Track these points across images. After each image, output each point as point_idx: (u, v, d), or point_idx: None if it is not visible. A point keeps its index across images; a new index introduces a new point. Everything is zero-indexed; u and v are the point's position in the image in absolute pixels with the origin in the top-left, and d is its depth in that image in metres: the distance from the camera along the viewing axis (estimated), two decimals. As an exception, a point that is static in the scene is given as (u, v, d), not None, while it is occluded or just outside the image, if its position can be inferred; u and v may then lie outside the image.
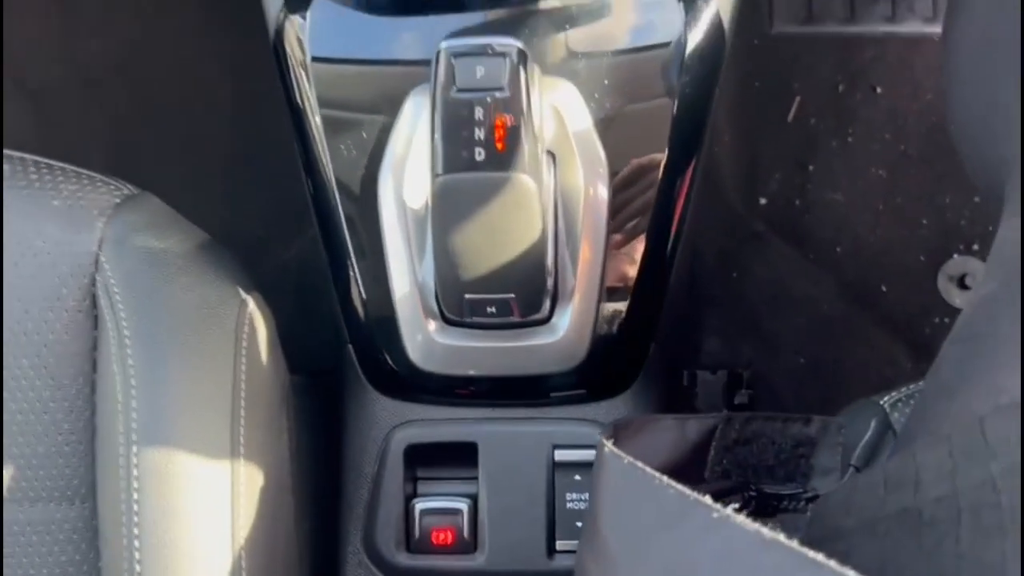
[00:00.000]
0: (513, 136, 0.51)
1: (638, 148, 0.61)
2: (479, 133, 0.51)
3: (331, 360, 0.76)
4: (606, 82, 0.59)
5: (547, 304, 0.59)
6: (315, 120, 0.61)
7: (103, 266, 0.57)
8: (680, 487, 0.30)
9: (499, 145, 0.51)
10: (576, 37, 0.58)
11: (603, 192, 0.60)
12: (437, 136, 0.52)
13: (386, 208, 0.60)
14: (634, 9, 0.59)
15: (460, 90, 0.51)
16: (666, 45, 0.59)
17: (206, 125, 1.13)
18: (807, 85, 1.09)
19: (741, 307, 1.03)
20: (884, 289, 1.05)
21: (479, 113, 0.51)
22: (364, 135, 0.61)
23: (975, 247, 1.05)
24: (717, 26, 0.61)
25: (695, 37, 0.60)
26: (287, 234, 1.08)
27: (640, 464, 0.33)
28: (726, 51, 0.62)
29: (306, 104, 0.61)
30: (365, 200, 0.61)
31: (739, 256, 1.05)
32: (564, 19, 0.58)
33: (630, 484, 0.34)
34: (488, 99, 0.51)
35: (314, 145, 0.62)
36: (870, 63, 1.09)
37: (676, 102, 0.60)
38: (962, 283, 1.04)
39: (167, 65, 1.14)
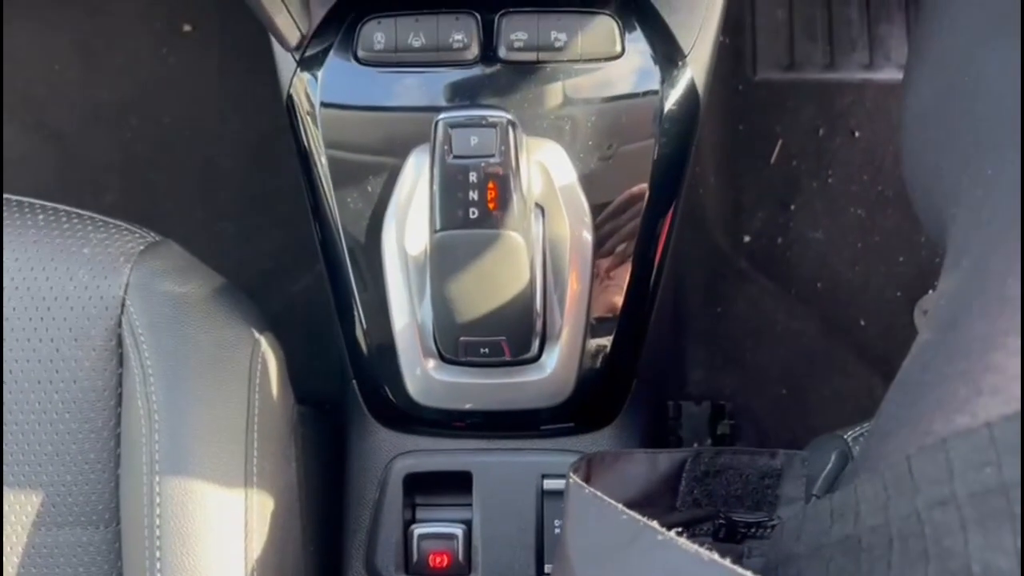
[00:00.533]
0: (503, 197, 0.57)
1: (620, 197, 0.66)
2: (473, 195, 0.56)
3: (336, 388, 0.81)
4: (589, 142, 0.65)
5: (536, 344, 0.65)
6: (322, 167, 0.67)
7: (128, 309, 0.62)
8: (632, 514, 0.35)
9: (491, 205, 0.56)
10: (561, 101, 0.64)
11: (587, 239, 0.65)
12: (436, 196, 0.57)
13: (388, 254, 0.66)
14: (613, 74, 0.64)
15: (456, 157, 0.56)
16: (643, 107, 0.65)
17: (221, 167, 1.19)
18: (789, 129, 1.15)
19: (726, 341, 1.08)
20: (862, 323, 1.10)
21: (473, 177, 0.56)
22: (369, 187, 0.66)
23: (949, 283, 1.10)
24: (691, 89, 0.67)
25: (671, 99, 0.65)
26: (295, 270, 1.14)
27: (599, 494, 0.38)
28: (701, 111, 0.68)
29: (315, 152, 0.67)
30: (369, 246, 0.67)
31: (724, 292, 1.10)
32: (550, 85, 0.64)
33: (591, 511, 0.39)
34: (481, 165, 0.56)
35: (322, 195, 0.67)
36: (849, 108, 1.15)
37: (654, 157, 0.65)
38: (937, 318, 1.09)
39: (184, 109, 1.20)
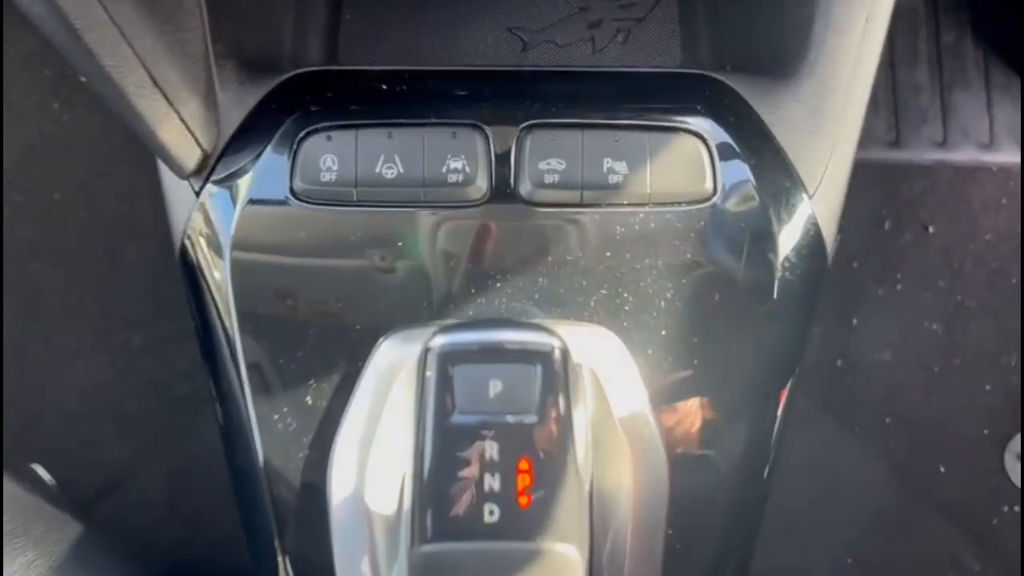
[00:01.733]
0: (545, 484, 0.32)
1: (712, 410, 0.43)
2: (491, 481, 0.32)
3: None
4: (663, 330, 0.41)
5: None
6: (234, 358, 0.42)
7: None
8: None
9: (522, 499, 0.32)
10: (618, 269, 0.40)
11: (661, 482, 0.41)
12: (422, 482, 0.32)
13: (339, 507, 0.41)
14: (702, 226, 0.41)
15: (463, 413, 0.32)
16: (747, 275, 0.42)
17: (126, 258, 0.93)
18: (848, 221, 0.92)
19: (777, 496, 0.85)
20: (942, 470, 0.88)
21: (492, 451, 0.32)
22: (308, 397, 0.42)
23: (1047, 419, 0.89)
24: (815, 240, 0.44)
25: (788, 258, 0.43)
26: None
27: None
28: (829, 268, 0.45)
29: (222, 335, 0.43)
30: (307, 491, 0.42)
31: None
32: (602, 243, 0.40)
33: None
34: (508, 429, 0.32)
35: (234, 400, 0.43)
36: (919, 196, 0.93)
37: (764, 345, 0.42)
38: (1033, 463, 0.88)
39: (80, 181, 0.94)
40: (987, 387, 0.90)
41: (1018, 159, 0.92)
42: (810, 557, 0.86)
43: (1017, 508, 0.88)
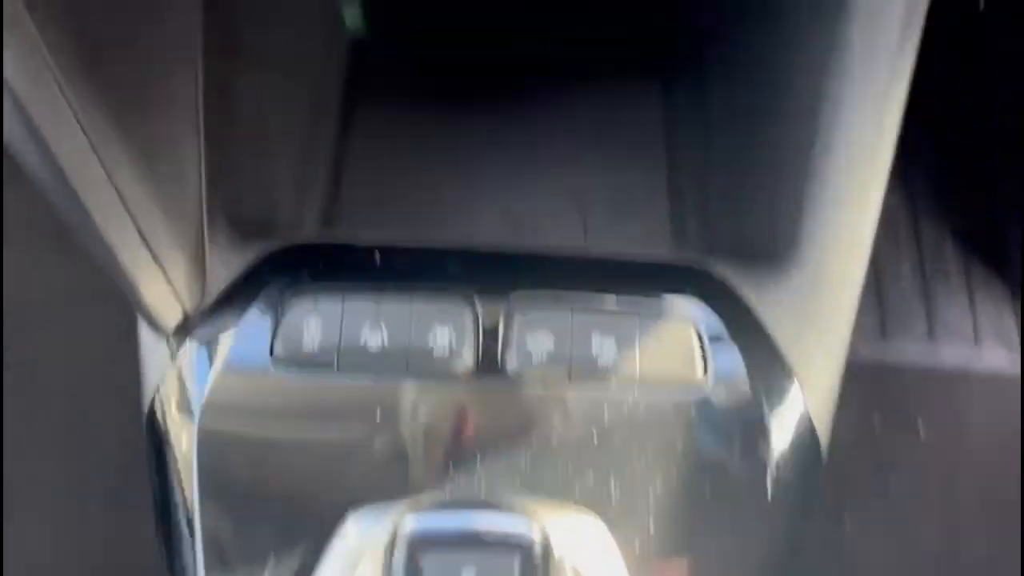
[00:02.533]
0: None
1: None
2: None
3: None
4: (651, 528, 0.39)
5: None
6: (194, 526, 0.40)
7: None
8: None
9: None
10: (606, 449, 0.39)
11: None
12: None
13: None
14: (690, 408, 0.40)
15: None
16: (735, 464, 0.41)
17: (86, 398, 0.89)
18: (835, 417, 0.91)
19: None
20: None
21: (462, 653, 0.29)
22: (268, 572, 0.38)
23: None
24: (807, 430, 0.43)
25: (779, 448, 0.41)
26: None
27: None
28: (823, 463, 0.44)
29: (181, 504, 0.40)
30: None
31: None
32: (588, 421, 0.39)
33: None
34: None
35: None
36: (907, 394, 0.92)
37: (758, 541, 0.40)
38: None
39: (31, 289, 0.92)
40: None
41: (1003, 364, 0.92)
42: None
43: None
